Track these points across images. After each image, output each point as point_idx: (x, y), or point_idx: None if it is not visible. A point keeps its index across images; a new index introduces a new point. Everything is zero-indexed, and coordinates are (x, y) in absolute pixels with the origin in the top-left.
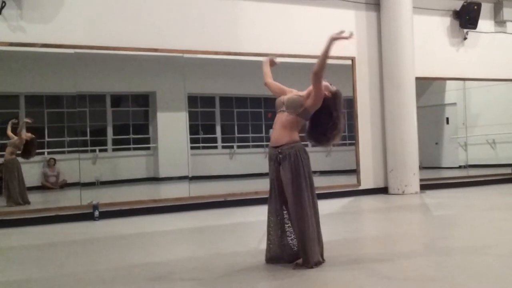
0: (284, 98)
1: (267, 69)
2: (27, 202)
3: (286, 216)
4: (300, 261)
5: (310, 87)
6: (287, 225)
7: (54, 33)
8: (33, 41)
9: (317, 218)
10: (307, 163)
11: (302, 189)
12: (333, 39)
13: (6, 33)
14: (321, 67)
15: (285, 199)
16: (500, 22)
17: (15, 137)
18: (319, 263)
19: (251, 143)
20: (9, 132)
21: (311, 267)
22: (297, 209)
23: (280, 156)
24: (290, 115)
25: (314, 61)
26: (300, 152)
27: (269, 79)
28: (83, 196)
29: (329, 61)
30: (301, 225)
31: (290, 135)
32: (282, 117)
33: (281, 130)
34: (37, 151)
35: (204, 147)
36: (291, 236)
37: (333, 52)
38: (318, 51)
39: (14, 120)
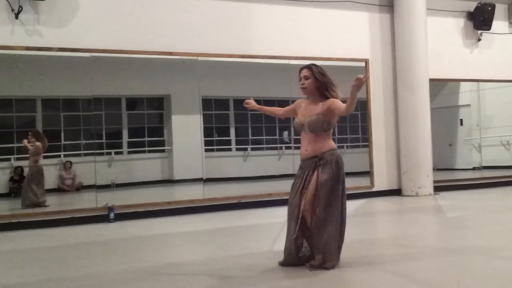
0: (301, 120)
1: (266, 109)
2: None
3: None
4: (314, 261)
5: (328, 103)
6: (307, 230)
7: (70, 37)
8: (49, 45)
9: (343, 224)
10: (343, 168)
11: (337, 194)
12: (358, 87)
13: (23, 38)
14: (351, 109)
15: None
16: None
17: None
18: (334, 266)
19: (265, 145)
20: (25, 142)
21: (327, 268)
22: (327, 210)
23: (321, 162)
24: (318, 134)
25: (328, 63)
26: (339, 159)
27: (279, 111)
28: (99, 199)
29: (343, 63)
30: (326, 226)
31: (328, 144)
32: (311, 137)
33: (316, 143)
34: (54, 153)
35: (218, 150)
36: (310, 240)
37: (347, 54)
38: (332, 53)
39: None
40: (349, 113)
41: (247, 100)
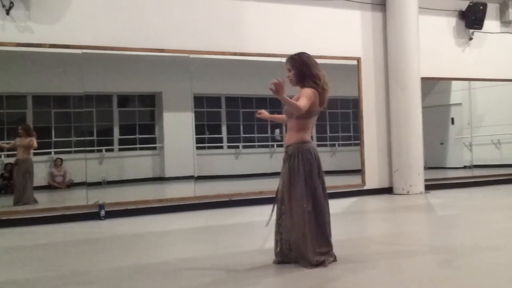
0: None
1: (279, 118)
2: (29, 203)
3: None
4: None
5: (300, 92)
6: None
7: (61, 34)
8: (40, 42)
9: (321, 217)
10: (308, 161)
11: (295, 188)
12: (276, 91)
13: (14, 34)
14: (294, 110)
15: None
16: (506, 22)
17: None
18: (319, 262)
19: (256, 143)
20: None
21: (310, 267)
22: (291, 206)
23: (286, 154)
24: (292, 119)
25: (320, 61)
26: (302, 152)
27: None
28: (89, 196)
29: (335, 61)
30: (294, 223)
31: (298, 135)
32: (289, 123)
33: (290, 132)
34: (44, 150)
35: (209, 147)
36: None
37: (339, 52)
38: (324, 51)
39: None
40: (296, 112)
41: (260, 111)
